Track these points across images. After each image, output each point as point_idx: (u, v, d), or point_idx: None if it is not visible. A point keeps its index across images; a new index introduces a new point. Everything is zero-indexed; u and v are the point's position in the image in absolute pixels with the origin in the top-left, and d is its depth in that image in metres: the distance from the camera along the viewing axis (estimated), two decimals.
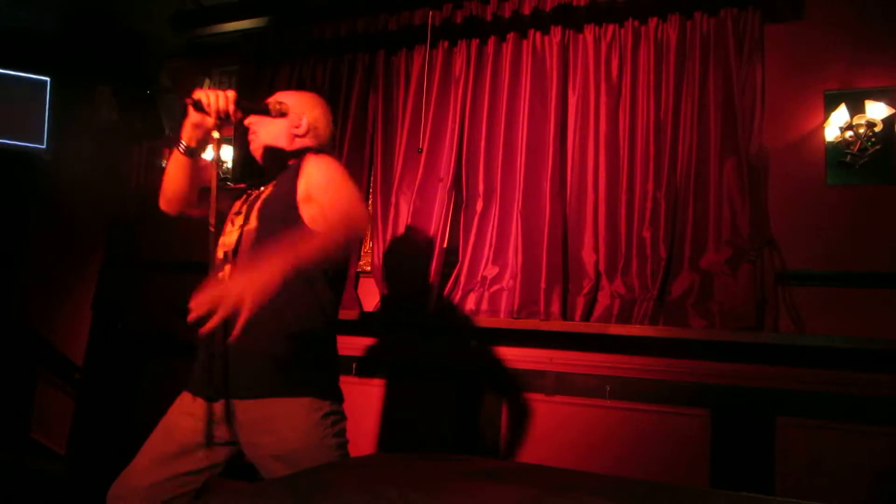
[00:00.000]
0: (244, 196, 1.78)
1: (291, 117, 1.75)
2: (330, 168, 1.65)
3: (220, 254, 1.67)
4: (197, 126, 1.59)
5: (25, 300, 3.82)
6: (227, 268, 1.63)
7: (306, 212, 1.60)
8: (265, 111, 1.66)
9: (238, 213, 1.72)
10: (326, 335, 1.66)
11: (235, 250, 1.63)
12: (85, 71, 3.58)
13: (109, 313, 3.59)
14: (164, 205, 1.75)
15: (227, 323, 1.56)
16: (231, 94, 1.57)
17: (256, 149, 1.79)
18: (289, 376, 1.54)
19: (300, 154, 1.75)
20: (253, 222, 1.64)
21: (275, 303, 1.55)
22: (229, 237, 1.68)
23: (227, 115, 1.56)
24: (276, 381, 1.54)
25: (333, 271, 1.68)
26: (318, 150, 1.77)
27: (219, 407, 1.56)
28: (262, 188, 1.73)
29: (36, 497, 3.18)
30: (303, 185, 1.62)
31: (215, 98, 1.54)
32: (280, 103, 1.67)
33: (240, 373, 1.55)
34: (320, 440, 1.52)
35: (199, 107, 1.55)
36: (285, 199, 1.64)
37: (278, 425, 1.51)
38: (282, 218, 1.60)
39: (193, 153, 1.66)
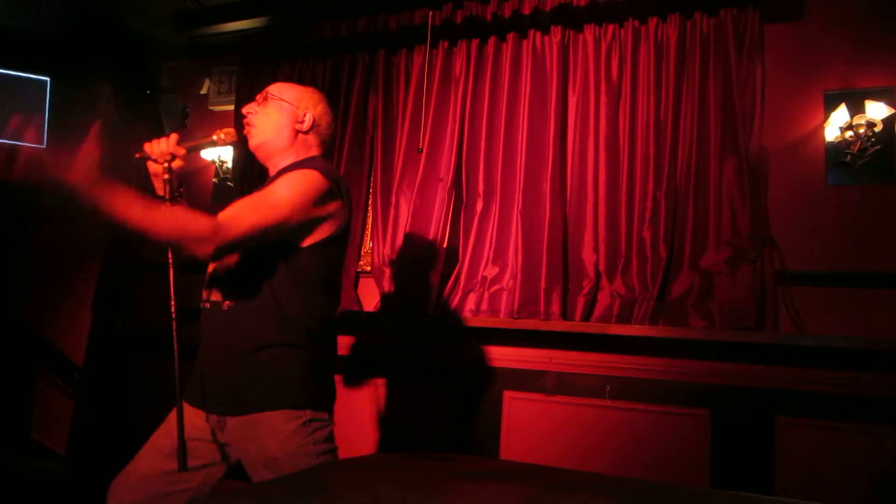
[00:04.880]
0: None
1: (294, 112, 1.72)
2: (288, 185, 1.57)
3: (210, 267, 1.67)
4: (156, 176, 1.67)
5: (25, 300, 3.82)
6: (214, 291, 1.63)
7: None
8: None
9: None
10: (310, 343, 1.60)
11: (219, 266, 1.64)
12: (85, 71, 3.58)
13: (109, 313, 3.59)
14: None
15: (217, 334, 1.56)
16: (173, 136, 1.64)
17: (256, 145, 1.73)
18: (265, 391, 1.54)
19: (301, 153, 1.74)
20: None
21: (254, 314, 1.55)
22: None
23: (173, 155, 1.62)
24: (252, 398, 1.54)
25: (323, 279, 1.64)
26: (323, 153, 1.78)
27: (211, 416, 1.59)
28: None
29: (36, 497, 3.18)
30: None
31: (157, 144, 1.62)
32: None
33: (221, 388, 1.57)
34: (299, 448, 1.51)
35: (146, 157, 1.65)
36: None
37: (259, 433, 1.53)
38: None
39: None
